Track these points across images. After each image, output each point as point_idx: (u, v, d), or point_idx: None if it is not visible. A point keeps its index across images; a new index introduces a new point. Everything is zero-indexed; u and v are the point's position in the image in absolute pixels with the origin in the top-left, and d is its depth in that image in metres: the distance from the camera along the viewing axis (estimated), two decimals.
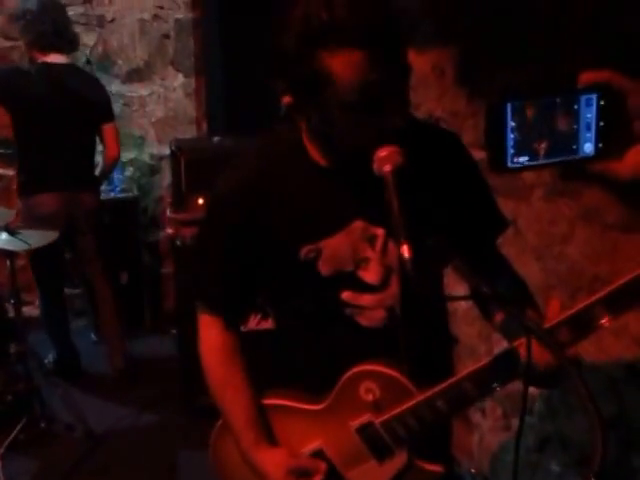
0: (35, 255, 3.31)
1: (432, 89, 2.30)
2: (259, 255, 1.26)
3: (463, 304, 2.22)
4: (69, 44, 3.35)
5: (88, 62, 3.37)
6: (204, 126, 4.36)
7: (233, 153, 1.33)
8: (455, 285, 1.41)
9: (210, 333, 1.35)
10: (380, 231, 1.21)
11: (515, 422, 2.19)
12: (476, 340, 2.30)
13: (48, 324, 3.53)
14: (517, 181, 2.03)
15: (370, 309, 1.23)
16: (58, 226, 3.08)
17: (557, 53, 1.85)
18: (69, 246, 3.49)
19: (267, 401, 1.32)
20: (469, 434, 2.41)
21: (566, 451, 2.01)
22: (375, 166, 1.06)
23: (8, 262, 2.77)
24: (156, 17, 4.23)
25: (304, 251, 1.21)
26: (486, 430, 2.36)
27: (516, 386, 2.10)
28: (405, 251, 0.96)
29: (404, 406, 1.18)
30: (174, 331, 3.70)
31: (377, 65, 1.02)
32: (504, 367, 1.13)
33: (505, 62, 2.01)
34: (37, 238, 2.76)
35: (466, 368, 1.49)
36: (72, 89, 3.28)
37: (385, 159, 1.05)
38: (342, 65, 1.02)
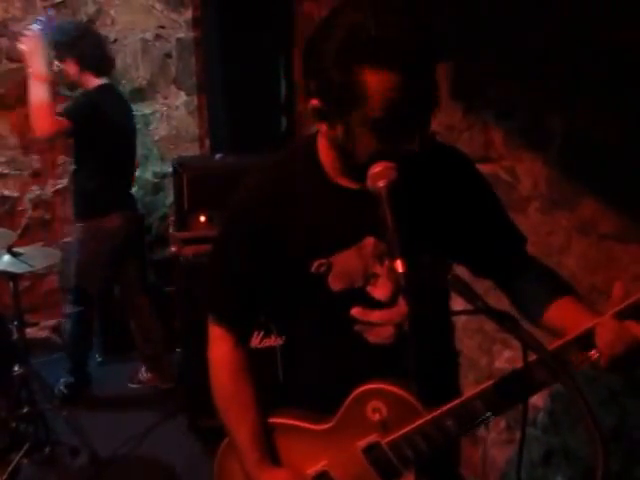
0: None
1: None
2: (273, 269, 1.26)
3: (463, 316, 2.21)
4: (111, 67, 3.47)
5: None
6: (207, 144, 4.39)
7: (235, 170, 1.33)
8: (454, 298, 1.41)
9: (221, 347, 1.35)
10: None
11: (519, 434, 2.17)
12: (477, 352, 2.29)
13: (74, 347, 3.57)
14: (514, 193, 2.03)
15: (379, 326, 1.23)
16: (117, 244, 3.33)
17: (549, 66, 1.86)
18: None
19: (273, 420, 1.31)
20: (474, 448, 2.39)
21: (571, 464, 1.99)
22: (369, 182, 1.07)
23: (11, 284, 2.77)
24: (158, 37, 4.29)
25: (315, 265, 1.22)
26: (490, 444, 2.34)
27: None
28: (399, 266, 0.96)
29: (412, 426, 1.16)
30: (179, 350, 3.70)
31: (412, 91, 1.02)
32: (515, 385, 1.10)
33: (499, 76, 2.02)
34: (40, 259, 2.78)
35: (467, 380, 1.48)
36: (130, 110, 3.48)
37: (379, 175, 1.06)
38: (379, 83, 1.02)
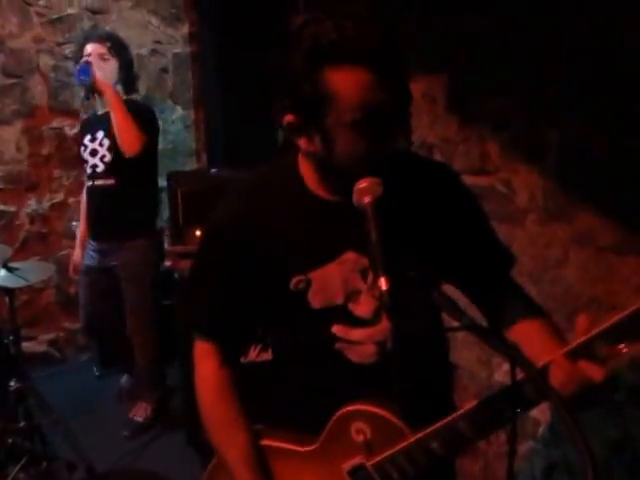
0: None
1: (424, 116, 2.32)
2: (253, 286, 1.24)
3: None
4: (135, 90, 3.44)
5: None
6: (204, 158, 4.40)
7: (230, 185, 1.33)
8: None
9: (207, 366, 1.32)
10: None
11: (521, 448, 2.16)
12: (476, 365, 2.28)
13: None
14: (511, 205, 2.03)
15: (361, 344, 1.20)
16: None
17: (544, 78, 1.87)
18: None
19: (259, 442, 1.28)
20: (474, 461, 2.37)
21: (573, 478, 1.98)
22: (355, 198, 1.05)
23: (7, 298, 2.76)
24: (154, 52, 4.31)
25: (294, 281, 1.19)
26: (491, 457, 2.32)
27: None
28: (383, 284, 0.94)
29: (396, 448, 1.13)
30: (177, 363, 3.68)
31: (381, 86, 1.02)
32: (503, 404, 1.07)
33: (494, 89, 2.03)
34: (35, 274, 2.77)
35: (467, 393, 1.47)
36: None
37: (365, 190, 1.05)
38: (347, 82, 1.02)
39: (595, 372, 1.00)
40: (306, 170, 1.20)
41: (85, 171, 3.28)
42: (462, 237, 1.24)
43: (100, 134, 3.20)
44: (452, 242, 1.22)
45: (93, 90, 3.14)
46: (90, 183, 3.26)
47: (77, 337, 4.23)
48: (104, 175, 3.20)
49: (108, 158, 3.18)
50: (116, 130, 3.05)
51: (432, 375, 1.28)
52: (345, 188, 1.11)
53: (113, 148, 3.14)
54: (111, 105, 3.06)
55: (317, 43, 1.02)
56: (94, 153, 3.22)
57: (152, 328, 3.41)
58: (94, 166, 3.21)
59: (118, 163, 3.14)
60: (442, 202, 1.23)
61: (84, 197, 3.42)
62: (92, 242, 3.34)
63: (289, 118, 1.09)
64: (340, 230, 1.18)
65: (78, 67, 3.10)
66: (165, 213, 4.27)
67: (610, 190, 1.72)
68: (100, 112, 3.28)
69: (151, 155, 3.28)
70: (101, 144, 3.20)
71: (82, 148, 3.26)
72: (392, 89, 1.03)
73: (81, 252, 3.43)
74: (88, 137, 3.25)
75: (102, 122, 3.20)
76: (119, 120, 3.04)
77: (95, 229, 3.31)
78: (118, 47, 3.18)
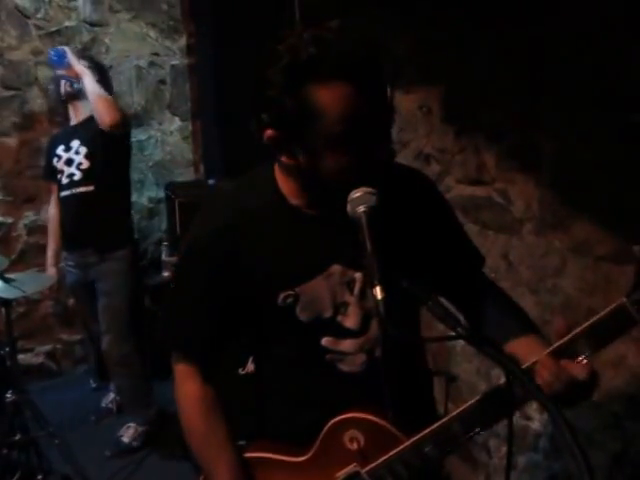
0: None
1: (420, 127, 2.32)
2: (238, 301, 1.22)
3: (460, 340, 2.19)
4: None
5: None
6: (201, 168, 4.41)
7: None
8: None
9: (189, 387, 1.28)
10: (358, 275, 1.19)
11: (521, 460, 2.15)
12: (475, 377, 2.27)
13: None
14: (507, 215, 2.03)
15: (351, 354, 1.21)
16: None
17: (537, 90, 1.87)
18: None
19: (249, 454, 1.27)
20: (475, 473, 2.36)
21: None
22: (349, 207, 1.06)
23: (3, 310, 2.74)
24: (152, 64, 4.33)
25: (282, 297, 1.18)
26: (492, 470, 2.31)
27: (520, 423, 2.06)
28: (378, 293, 0.95)
29: (391, 453, 1.14)
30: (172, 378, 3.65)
31: (364, 99, 1.02)
32: (493, 405, 1.09)
33: (489, 100, 2.03)
34: (32, 285, 2.76)
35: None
36: None
37: (359, 200, 1.05)
38: (331, 97, 1.01)
39: (579, 370, 1.05)
40: (285, 184, 1.19)
41: (59, 182, 3.24)
42: (440, 241, 1.26)
43: (75, 143, 3.20)
44: (432, 247, 1.24)
45: (64, 99, 3.21)
46: (68, 192, 3.21)
47: (74, 349, 4.22)
48: (83, 182, 3.17)
49: (86, 165, 3.16)
50: (95, 105, 3.04)
51: (417, 381, 1.30)
52: (328, 201, 1.12)
53: (90, 154, 3.15)
54: (88, 86, 3.06)
55: (296, 57, 1.02)
56: (70, 162, 3.20)
57: (134, 342, 3.30)
58: (71, 175, 3.19)
59: (96, 169, 3.14)
60: (422, 208, 1.25)
61: (53, 211, 3.38)
62: (70, 256, 3.28)
63: (269, 133, 1.08)
64: (324, 244, 1.18)
65: (54, 51, 3.14)
66: (163, 224, 4.29)
67: (606, 199, 1.72)
68: (73, 123, 3.28)
69: (125, 159, 3.29)
70: (77, 152, 3.19)
71: (55, 159, 3.24)
72: (375, 102, 1.04)
73: (55, 269, 3.33)
74: (61, 147, 3.24)
75: (76, 132, 3.22)
76: (96, 96, 3.04)
77: (74, 240, 3.24)
78: (93, 64, 3.25)
